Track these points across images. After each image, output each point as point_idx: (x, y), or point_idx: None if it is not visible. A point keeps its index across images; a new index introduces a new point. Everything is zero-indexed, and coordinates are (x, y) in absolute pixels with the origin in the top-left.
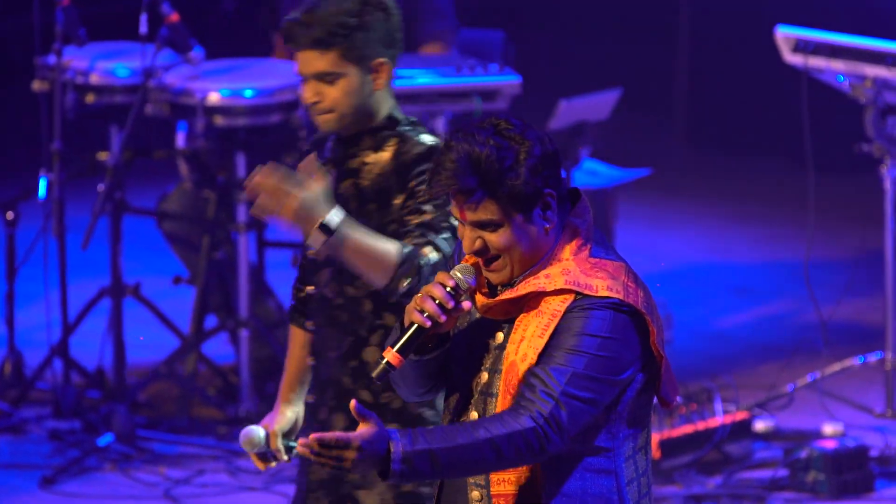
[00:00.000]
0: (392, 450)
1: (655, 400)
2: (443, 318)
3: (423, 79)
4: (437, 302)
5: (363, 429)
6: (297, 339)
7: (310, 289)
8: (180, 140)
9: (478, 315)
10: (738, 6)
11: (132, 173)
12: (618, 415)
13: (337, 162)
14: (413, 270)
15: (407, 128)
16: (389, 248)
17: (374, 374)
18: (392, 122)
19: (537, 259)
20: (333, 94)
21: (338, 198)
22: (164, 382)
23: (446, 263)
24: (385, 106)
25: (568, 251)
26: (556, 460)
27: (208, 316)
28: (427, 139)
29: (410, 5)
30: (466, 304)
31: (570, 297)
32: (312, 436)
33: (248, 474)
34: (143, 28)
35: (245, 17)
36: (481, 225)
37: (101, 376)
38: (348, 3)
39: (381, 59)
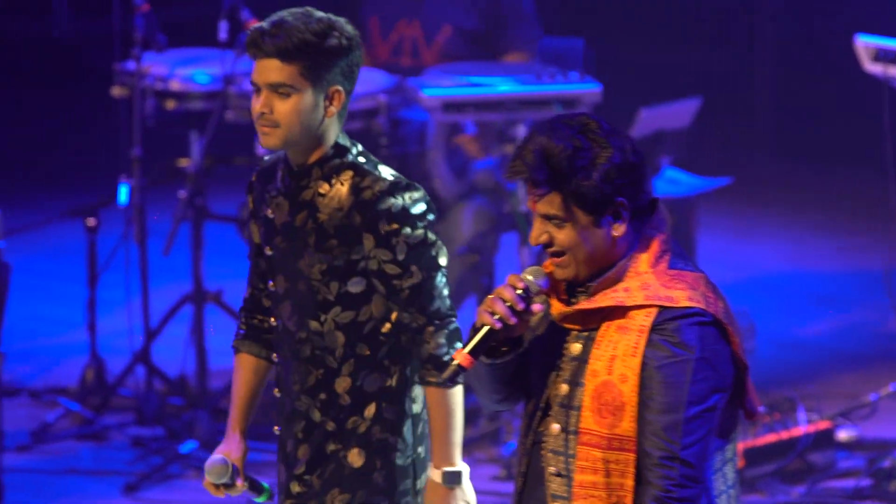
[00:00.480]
0: None
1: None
2: (513, 320)
3: (503, 87)
4: (507, 304)
5: None
6: (248, 365)
7: (273, 321)
8: (261, 147)
9: (552, 319)
10: (820, 14)
11: (213, 180)
12: (709, 430)
13: (289, 194)
14: (447, 365)
15: (361, 159)
16: (440, 402)
17: (444, 376)
18: (341, 150)
19: (605, 265)
20: (284, 108)
21: (295, 231)
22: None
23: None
24: (333, 133)
25: (646, 263)
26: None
27: None
28: (386, 173)
29: (497, 12)
30: (537, 307)
31: (653, 311)
32: None
33: None
34: (223, 34)
35: None
36: (548, 217)
37: (183, 383)
38: (316, 24)
39: (338, 87)
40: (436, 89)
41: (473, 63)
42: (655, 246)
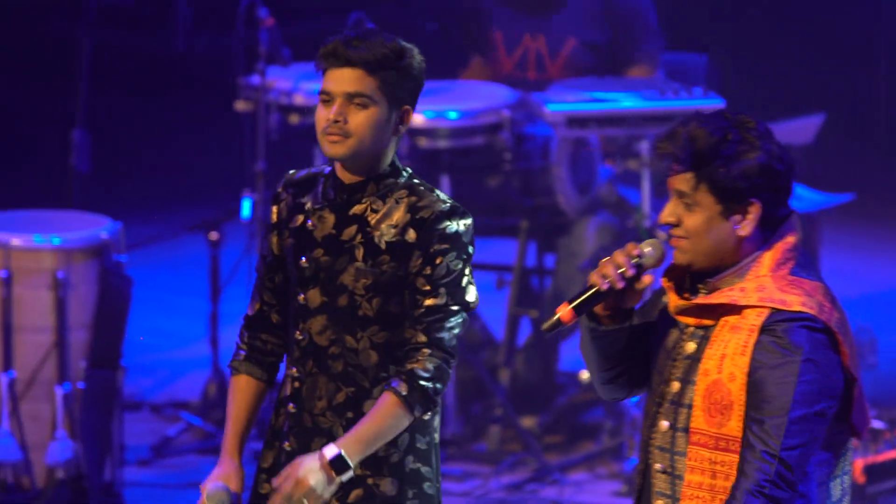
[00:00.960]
0: None
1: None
2: (620, 284)
3: (627, 102)
4: (619, 269)
5: None
6: (247, 388)
7: (299, 335)
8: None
9: (670, 315)
10: None
11: None
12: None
13: (337, 207)
14: (423, 394)
15: (415, 181)
16: (389, 410)
17: (544, 328)
18: (396, 170)
19: (725, 262)
20: (359, 118)
21: (340, 244)
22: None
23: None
24: (391, 152)
25: (766, 267)
26: None
27: None
28: (443, 197)
29: (621, 26)
30: (647, 279)
31: (765, 312)
32: None
33: (455, 497)
34: None
35: (448, 38)
36: (681, 196)
37: None
38: (394, 44)
39: (408, 107)
40: (560, 104)
41: (597, 78)
42: (780, 252)
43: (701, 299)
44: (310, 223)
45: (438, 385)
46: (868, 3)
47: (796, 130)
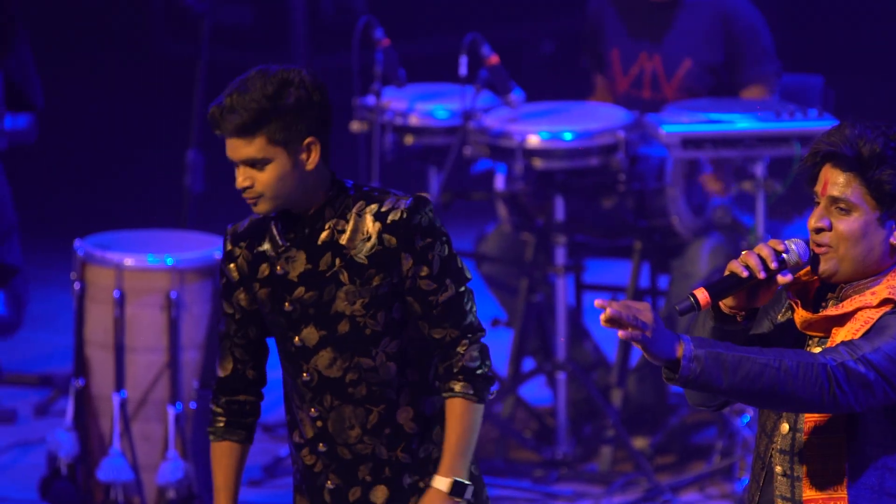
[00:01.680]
0: (683, 345)
1: None
2: (762, 275)
3: (742, 123)
4: (761, 260)
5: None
6: (231, 454)
7: (305, 376)
8: (499, 182)
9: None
10: None
11: (451, 215)
12: None
13: (303, 242)
14: (483, 380)
15: (364, 189)
16: (466, 415)
17: (678, 307)
18: (340, 186)
19: (868, 271)
20: (264, 178)
21: (321, 276)
22: (482, 424)
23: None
24: (325, 176)
25: None
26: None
27: (526, 358)
28: (399, 193)
29: (737, 47)
30: (787, 277)
31: (886, 308)
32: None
33: None
34: (463, 70)
35: (565, 58)
36: (836, 201)
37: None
38: (270, 86)
39: (310, 139)
40: (674, 125)
41: (712, 99)
42: None
43: (832, 310)
44: (279, 268)
45: (488, 362)
46: None
47: None
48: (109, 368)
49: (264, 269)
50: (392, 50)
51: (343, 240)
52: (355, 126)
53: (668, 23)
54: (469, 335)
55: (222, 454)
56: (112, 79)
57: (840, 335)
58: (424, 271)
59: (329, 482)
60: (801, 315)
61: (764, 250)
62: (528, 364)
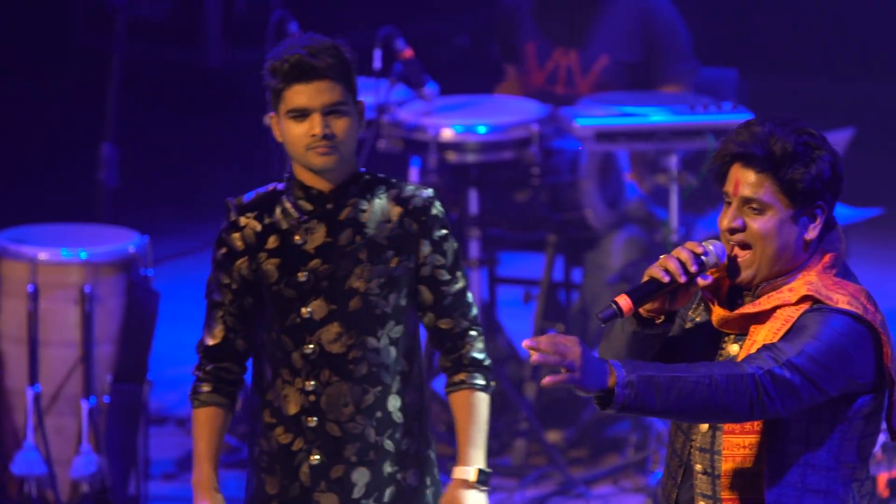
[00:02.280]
0: (615, 373)
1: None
2: (682, 279)
3: (656, 117)
4: (681, 263)
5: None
6: (214, 419)
7: (308, 348)
8: (413, 176)
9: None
10: None
11: None
12: (842, 435)
13: (325, 216)
14: (489, 370)
15: (381, 175)
16: (479, 406)
17: (600, 315)
18: (358, 170)
19: (784, 268)
20: (342, 126)
21: (340, 250)
22: None
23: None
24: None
25: (814, 272)
26: (778, 480)
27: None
28: (419, 185)
29: (654, 44)
30: (707, 280)
31: (805, 306)
32: (535, 338)
33: None
34: (377, 63)
35: (479, 52)
36: (749, 202)
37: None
38: (331, 42)
39: (361, 101)
40: (588, 119)
41: (626, 93)
42: (827, 258)
43: (749, 308)
44: (297, 237)
45: (487, 353)
46: None
47: None
48: (23, 362)
49: (273, 240)
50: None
51: (364, 218)
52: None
53: (585, 19)
54: (476, 327)
55: (206, 419)
56: (28, 71)
57: (761, 334)
58: (440, 261)
59: (312, 458)
60: (717, 313)
61: (683, 254)
62: None
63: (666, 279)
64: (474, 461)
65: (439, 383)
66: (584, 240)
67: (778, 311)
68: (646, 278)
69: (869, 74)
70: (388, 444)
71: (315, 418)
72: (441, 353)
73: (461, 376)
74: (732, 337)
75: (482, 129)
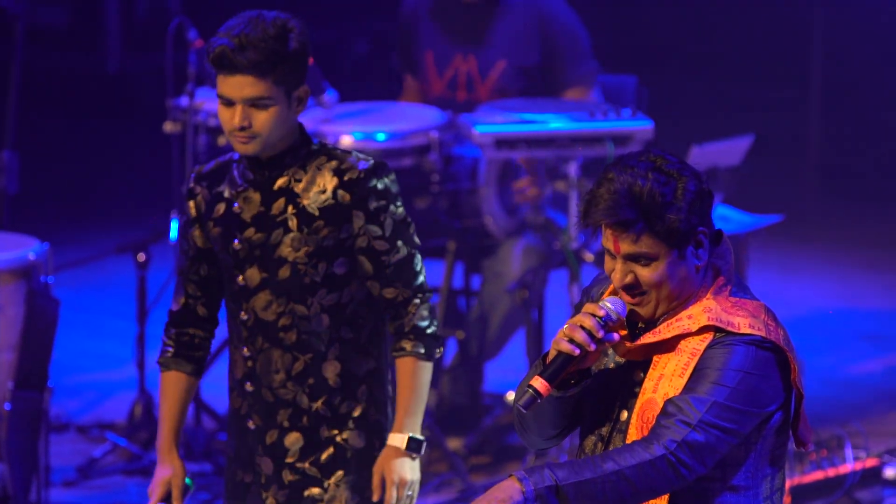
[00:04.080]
0: (523, 489)
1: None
2: (592, 347)
3: (555, 123)
4: (586, 331)
5: (493, 491)
6: (178, 384)
7: (243, 315)
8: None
9: (616, 358)
10: (871, 52)
11: None
12: (758, 453)
13: (260, 185)
14: (433, 338)
15: (327, 145)
16: (417, 374)
17: (519, 403)
18: (306, 139)
19: (684, 298)
20: (263, 119)
21: (272, 219)
22: None
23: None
24: (298, 127)
25: (709, 293)
26: (695, 499)
27: None
28: (362, 155)
29: (553, 48)
30: (616, 336)
31: (709, 336)
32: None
33: None
34: None
35: (378, 59)
36: (635, 258)
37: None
38: (272, 29)
39: (304, 86)
40: (488, 126)
41: (526, 100)
42: (719, 275)
43: (649, 337)
44: (236, 206)
45: (436, 321)
46: (799, 23)
47: (725, 152)
48: None
49: (220, 208)
50: (205, 51)
51: (298, 188)
52: (168, 126)
53: (483, 24)
54: (420, 294)
55: (170, 383)
56: None
57: (668, 367)
58: (377, 232)
59: (251, 422)
60: (620, 346)
61: (587, 321)
62: None
63: (576, 352)
64: (407, 428)
65: None
66: (484, 247)
67: (682, 342)
68: (554, 354)
69: (769, 79)
70: (323, 409)
71: (252, 384)
72: (388, 320)
73: (403, 343)
74: (641, 373)
75: (381, 137)
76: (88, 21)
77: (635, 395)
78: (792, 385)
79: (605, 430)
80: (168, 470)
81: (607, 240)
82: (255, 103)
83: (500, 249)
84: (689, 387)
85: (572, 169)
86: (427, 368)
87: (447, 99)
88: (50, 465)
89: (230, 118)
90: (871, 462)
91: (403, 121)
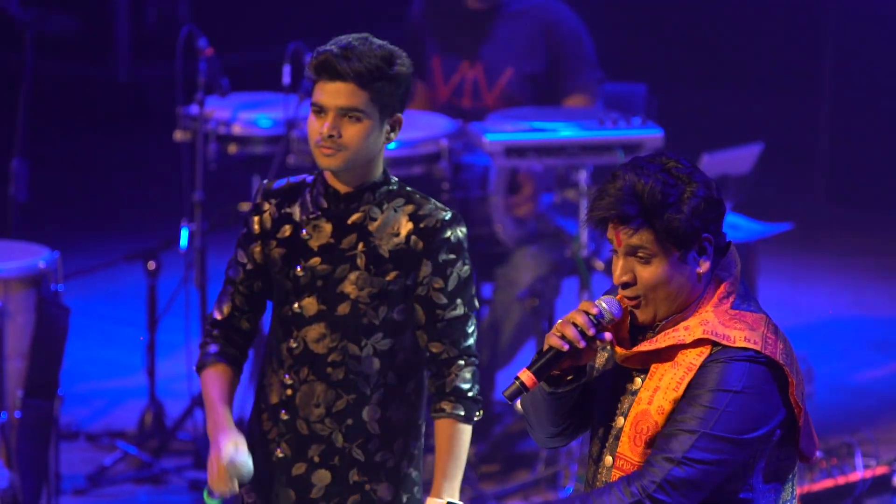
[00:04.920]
0: None
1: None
2: (582, 344)
3: (565, 132)
4: (578, 329)
5: None
6: (225, 375)
7: (293, 342)
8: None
9: (617, 361)
10: (883, 61)
11: None
12: (756, 468)
13: (334, 217)
14: (474, 402)
15: (408, 188)
16: (457, 437)
17: (506, 394)
18: (387, 178)
19: (682, 305)
20: (353, 132)
21: (340, 253)
22: None
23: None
24: (381, 162)
25: (709, 304)
26: None
27: None
28: (441, 205)
29: (559, 56)
30: (608, 335)
31: (706, 350)
32: None
33: None
34: (286, 79)
35: None
36: (634, 251)
37: (241, 427)
38: (381, 51)
39: (399, 115)
40: (498, 134)
41: (536, 108)
42: (722, 288)
43: (645, 346)
44: (304, 232)
45: (478, 387)
46: (809, 32)
47: (735, 160)
48: None
49: (286, 229)
50: (215, 59)
51: (372, 227)
52: (178, 135)
53: (489, 32)
54: (466, 357)
55: (217, 374)
56: None
57: (664, 380)
58: (439, 283)
59: (280, 451)
60: (619, 351)
61: (579, 318)
62: None
63: (566, 348)
64: (446, 493)
65: None
66: (494, 255)
67: (679, 354)
68: (545, 347)
69: (779, 88)
70: (357, 453)
71: (287, 413)
72: (430, 375)
73: (443, 404)
74: (640, 377)
75: (391, 145)
76: (98, 29)
77: (631, 401)
78: (790, 400)
79: (602, 432)
80: (229, 439)
81: (611, 234)
82: (348, 114)
83: (512, 257)
84: (681, 408)
85: (582, 177)
86: (466, 431)
87: (453, 105)
88: (60, 473)
89: (319, 127)
90: (881, 470)
91: (414, 129)
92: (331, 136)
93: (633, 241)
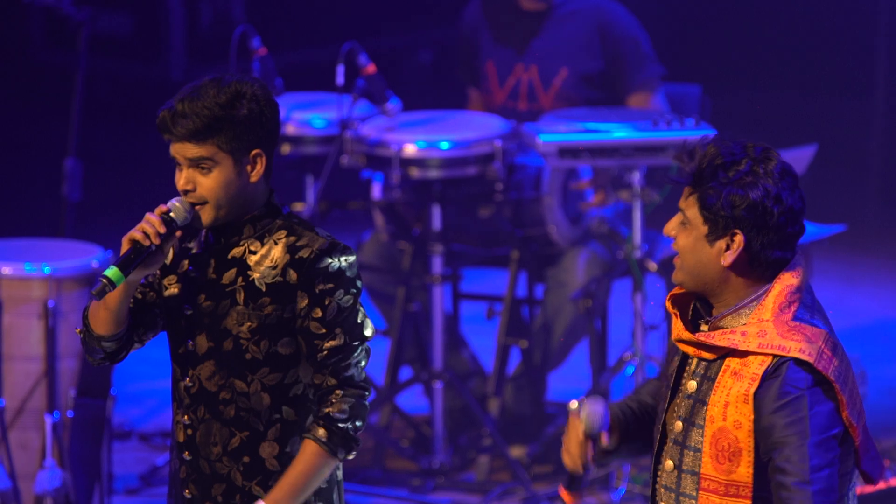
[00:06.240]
0: None
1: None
2: (157, 240)
3: (619, 133)
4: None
5: None
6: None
7: (188, 381)
8: (376, 191)
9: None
10: None
11: (327, 224)
12: None
13: (215, 251)
14: (344, 436)
15: (294, 220)
16: (312, 458)
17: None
18: (273, 209)
19: (712, 291)
20: (208, 182)
21: (221, 289)
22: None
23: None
24: (261, 193)
25: (769, 311)
26: None
27: (403, 367)
28: (323, 234)
29: (616, 54)
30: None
31: (768, 360)
32: None
33: None
34: (340, 79)
35: (442, 68)
36: (680, 213)
37: None
38: (223, 95)
39: (258, 150)
40: (552, 135)
41: (590, 109)
42: (783, 295)
43: (702, 337)
44: (191, 269)
45: (358, 423)
46: (862, 33)
47: (789, 161)
48: None
49: (184, 264)
50: (269, 59)
51: (251, 261)
52: None
53: (543, 33)
54: (346, 388)
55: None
56: None
57: (732, 395)
58: (317, 314)
59: (187, 491)
60: (677, 328)
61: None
62: (406, 373)
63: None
64: (274, 501)
65: (403, 399)
66: (547, 256)
67: (741, 363)
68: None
69: (832, 90)
70: (258, 491)
71: (189, 453)
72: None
73: (311, 428)
74: (690, 370)
75: (445, 145)
76: (152, 29)
77: (694, 410)
78: (841, 418)
79: (661, 429)
80: None
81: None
82: (199, 164)
83: (563, 258)
84: (770, 432)
85: (636, 178)
86: (326, 461)
87: (509, 108)
88: (112, 472)
89: (178, 180)
90: None
91: (467, 129)
92: (187, 191)
93: (680, 202)
